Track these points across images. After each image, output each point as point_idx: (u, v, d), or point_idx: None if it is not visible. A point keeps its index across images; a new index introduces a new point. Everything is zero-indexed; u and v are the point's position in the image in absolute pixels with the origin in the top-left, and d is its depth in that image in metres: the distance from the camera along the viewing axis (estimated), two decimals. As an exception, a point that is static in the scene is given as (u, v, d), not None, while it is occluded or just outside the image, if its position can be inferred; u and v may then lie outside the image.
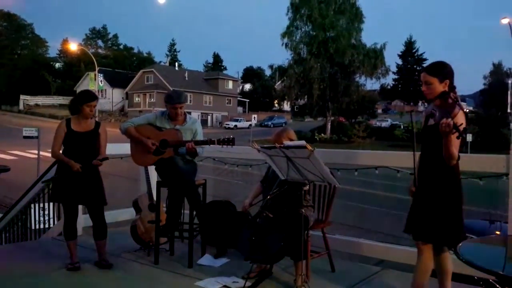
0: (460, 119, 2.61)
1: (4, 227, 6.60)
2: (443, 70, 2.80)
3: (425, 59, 60.28)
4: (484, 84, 65.06)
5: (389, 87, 53.67)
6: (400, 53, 59.55)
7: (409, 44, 60.13)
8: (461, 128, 2.42)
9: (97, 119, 4.23)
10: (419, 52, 60.15)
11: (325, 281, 3.61)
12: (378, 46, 40.69)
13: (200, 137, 4.27)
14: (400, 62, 58.76)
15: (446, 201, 2.74)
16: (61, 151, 3.91)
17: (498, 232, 5.16)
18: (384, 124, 45.41)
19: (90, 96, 3.93)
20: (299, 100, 46.06)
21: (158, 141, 4.10)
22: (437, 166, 2.76)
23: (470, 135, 31.47)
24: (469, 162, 3.82)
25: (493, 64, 62.30)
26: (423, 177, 2.87)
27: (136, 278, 3.73)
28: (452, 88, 2.77)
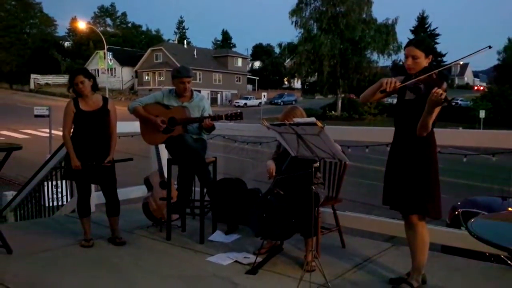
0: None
1: (18, 204, 6.73)
2: (429, 46, 2.88)
3: (438, 34, 59.25)
4: (498, 59, 63.81)
5: (401, 63, 52.93)
6: (412, 29, 58.57)
7: (422, 19, 59.06)
8: (452, 102, 2.44)
9: (107, 96, 4.22)
10: (432, 27, 59.09)
11: (335, 257, 3.63)
12: (390, 22, 40.04)
13: (208, 113, 4.26)
14: (412, 37, 57.80)
15: (423, 171, 2.80)
16: (72, 131, 3.93)
17: (510, 209, 5.13)
18: (396, 101, 44.90)
19: (71, 75, 3.90)
20: (309, 78, 45.68)
21: (166, 119, 4.10)
22: (415, 141, 2.79)
23: (483, 111, 31.10)
24: (482, 138, 3.78)
25: (508, 39, 60.94)
26: (399, 152, 2.91)
27: (148, 253, 3.78)
28: (432, 64, 2.84)
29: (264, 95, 40.86)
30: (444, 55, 57.54)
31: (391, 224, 4.12)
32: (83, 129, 3.89)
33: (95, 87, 3.94)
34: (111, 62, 47.55)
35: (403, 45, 3.15)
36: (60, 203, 6.22)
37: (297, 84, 62.78)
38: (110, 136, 3.96)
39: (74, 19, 65.97)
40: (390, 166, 2.98)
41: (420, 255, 2.92)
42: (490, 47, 2.73)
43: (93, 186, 4.27)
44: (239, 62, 59.39)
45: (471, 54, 2.85)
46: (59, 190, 6.20)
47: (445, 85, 2.62)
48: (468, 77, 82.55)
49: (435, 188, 2.83)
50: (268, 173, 3.60)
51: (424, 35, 46.60)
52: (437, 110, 2.63)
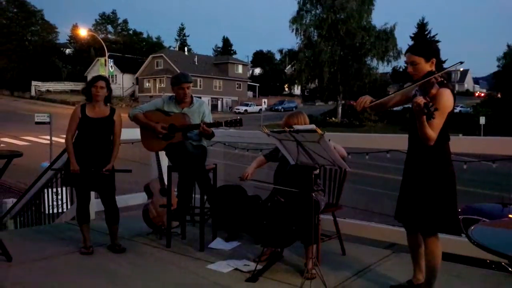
0: (443, 99, 2.54)
1: (19, 211, 6.72)
2: (428, 49, 2.74)
3: (438, 41, 59.41)
4: (498, 66, 63.76)
5: (401, 69, 52.98)
6: (412, 35, 58.71)
7: (422, 26, 59.21)
8: (433, 108, 2.32)
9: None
10: (432, 34, 59.24)
11: (335, 264, 3.62)
12: (389, 27, 40.15)
13: (208, 119, 4.27)
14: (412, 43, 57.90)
15: (436, 186, 2.65)
16: (75, 136, 3.95)
17: (511, 216, 5.12)
18: (396, 108, 44.92)
19: (93, 79, 4.01)
20: (309, 84, 45.77)
21: (166, 126, 4.11)
22: (426, 152, 2.66)
23: (484, 117, 31.13)
24: (482, 145, 3.78)
25: (508, 46, 60.96)
26: (413, 163, 2.79)
27: (148, 261, 3.77)
28: (439, 66, 2.72)
29: (264, 102, 40.88)
30: (444, 62, 57.57)
31: (391, 231, 4.12)
32: (85, 135, 3.91)
33: (108, 100, 3.99)
34: (112, 69, 47.70)
35: (403, 52, 3.15)
36: (60, 210, 6.21)
37: (298, 90, 62.87)
38: (113, 145, 3.98)
39: (75, 26, 66.20)
40: (405, 179, 2.85)
41: (431, 268, 2.78)
42: (461, 62, 2.77)
43: (93, 193, 4.27)
44: (240, 68, 59.49)
45: (444, 70, 2.90)
46: (59, 197, 6.20)
47: (434, 89, 2.57)
48: (468, 84, 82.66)
49: (451, 203, 2.68)
50: (242, 175, 3.65)
51: (422, 39, 46.48)
52: (437, 119, 2.48)
